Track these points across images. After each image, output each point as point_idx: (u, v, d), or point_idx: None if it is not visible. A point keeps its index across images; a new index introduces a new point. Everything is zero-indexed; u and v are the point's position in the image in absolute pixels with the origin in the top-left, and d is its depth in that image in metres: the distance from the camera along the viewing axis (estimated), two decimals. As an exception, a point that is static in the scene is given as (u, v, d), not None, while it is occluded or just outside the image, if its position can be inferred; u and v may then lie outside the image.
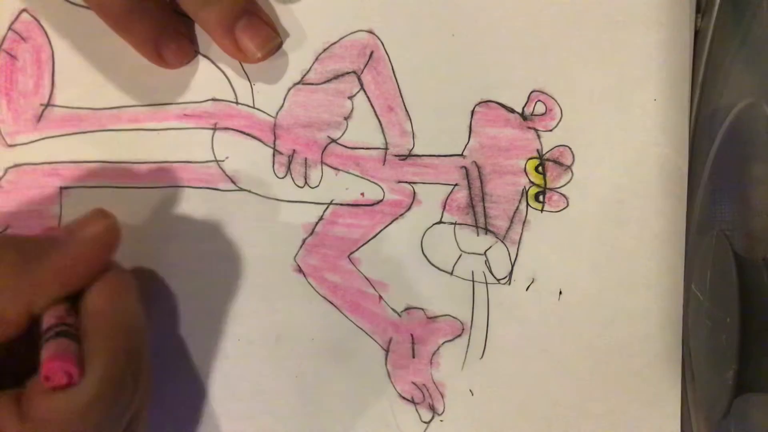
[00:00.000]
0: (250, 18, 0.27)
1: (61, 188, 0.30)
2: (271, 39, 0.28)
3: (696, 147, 0.29)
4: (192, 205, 0.29)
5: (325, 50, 0.29)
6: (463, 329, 0.29)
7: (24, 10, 0.29)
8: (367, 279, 0.30)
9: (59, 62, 0.29)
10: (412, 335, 0.30)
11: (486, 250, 0.29)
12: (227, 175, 0.30)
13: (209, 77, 0.29)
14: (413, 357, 0.30)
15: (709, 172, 0.28)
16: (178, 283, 0.30)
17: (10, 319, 0.23)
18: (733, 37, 0.26)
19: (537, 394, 0.29)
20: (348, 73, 0.29)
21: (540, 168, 0.29)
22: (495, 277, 0.29)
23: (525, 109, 0.29)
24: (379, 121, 0.29)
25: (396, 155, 0.29)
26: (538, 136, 0.29)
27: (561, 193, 0.29)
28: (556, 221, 0.29)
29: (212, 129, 0.29)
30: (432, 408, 0.30)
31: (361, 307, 0.30)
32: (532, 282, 0.29)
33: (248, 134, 0.29)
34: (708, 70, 0.28)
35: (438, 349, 0.30)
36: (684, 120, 0.29)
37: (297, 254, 0.30)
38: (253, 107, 0.29)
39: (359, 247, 0.30)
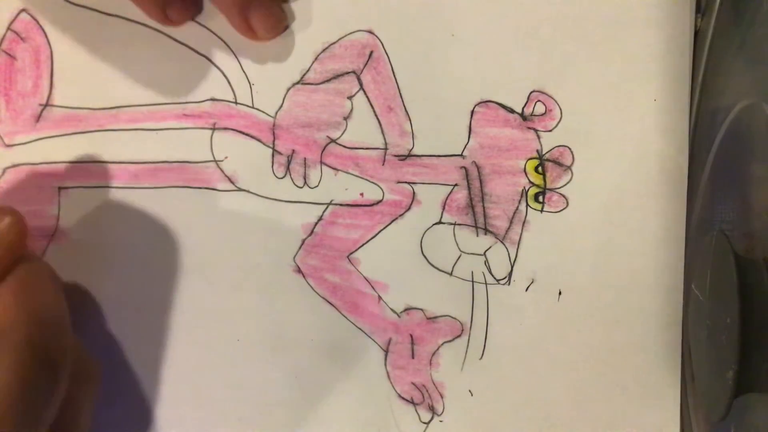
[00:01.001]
0: None
1: (60, 188, 0.29)
2: (282, 20, 0.28)
3: (696, 147, 0.29)
4: (191, 205, 0.29)
5: (324, 50, 0.29)
6: (462, 330, 0.29)
7: (23, 10, 0.29)
8: (366, 279, 0.30)
9: (58, 62, 0.29)
10: (411, 335, 0.30)
11: (485, 251, 0.29)
12: (226, 175, 0.29)
13: (208, 77, 0.29)
14: (413, 357, 0.30)
15: (709, 172, 0.28)
16: (177, 284, 0.30)
17: None
18: (733, 37, 0.26)
19: (536, 395, 0.29)
20: (347, 73, 0.29)
21: (540, 168, 0.29)
22: (494, 278, 0.29)
23: (525, 109, 0.29)
24: (379, 121, 0.29)
25: (395, 155, 0.29)
26: (538, 137, 0.29)
27: (561, 194, 0.29)
28: (556, 221, 0.29)
29: (211, 129, 0.29)
30: (431, 408, 0.30)
31: (360, 308, 0.30)
32: (532, 282, 0.29)
33: (247, 134, 0.29)
34: (708, 70, 0.28)
35: (437, 349, 0.30)
36: (684, 120, 0.29)
37: (296, 254, 0.30)
38: (253, 107, 0.29)
39: (359, 248, 0.30)
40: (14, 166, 0.29)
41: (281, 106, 0.29)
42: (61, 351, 0.24)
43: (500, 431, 0.29)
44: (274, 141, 0.29)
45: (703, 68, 0.28)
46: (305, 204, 0.29)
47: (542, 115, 0.29)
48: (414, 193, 0.29)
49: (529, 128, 0.29)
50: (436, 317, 0.30)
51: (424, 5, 0.29)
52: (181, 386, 0.30)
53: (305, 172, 0.29)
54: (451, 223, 0.29)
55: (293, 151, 0.29)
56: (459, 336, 0.29)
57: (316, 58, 0.29)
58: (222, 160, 0.29)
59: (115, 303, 0.30)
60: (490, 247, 0.29)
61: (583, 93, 0.29)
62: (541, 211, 0.29)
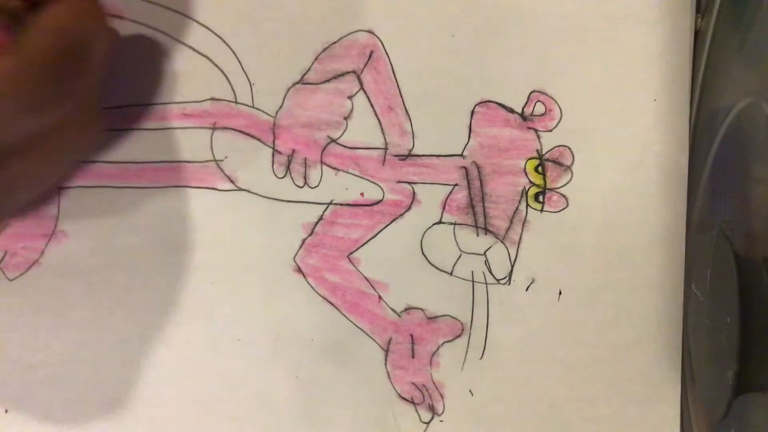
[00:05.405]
0: None
1: (60, 188, 0.29)
2: None
3: (696, 147, 0.29)
4: (191, 204, 0.29)
5: (325, 50, 0.29)
6: (462, 329, 0.29)
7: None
8: (366, 279, 0.30)
9: (58, 62, 0.29)
10: (411, 335, 0.30)
11: (486, 251, 0.29)
12: (226, 175, 0.29)
13: (208, 77, 0.29)
14: (413, 357, 0.30)
15: (709, 172, 0.28)
16: (177, 283, 0.30)
17: None
18: (733, 37, 0.26)
19: (537, 395, 0.29)
20: (348, 72, 0.29)
21: (540, 168, 0.29)
22: (495, 278, 0.29)
23: (524, 109, 0.29)
24: (379, 121, 0.29)
25: (396, 155, 0.29)
26: (538, 137, 0.29)
27: (561, 194, 0.29)
28: (556, 221, 0.29)
29: (211, 129, 0.29)
30: (432, 408, 0.30)
31: (360, 307, 0.30)
32: (532, 282, 0.29)
33: (247, 134, 0.29)
34: (708, 70, 0.28)
35: (438, 349, 0.30)
36: (684, 120, 0.29)
37: (296, 254, 0.30)
38: (253, 107, 0.29)
39: (359, 247, 0.30)
40: (14, 165, 0.29)
41: (281, 105, 0.29)
42: (85, 69, 0.24)
43: (501, 431, 0.29)
44: (274, 141, 0.29)
45: (703, 68, 0.28)
46: (305, 204, 0.29)
47: (542, 115, 0.29)
48: (414, 192, 0.29)
49: (529, 128, 0.29)
50: (436, 317, 0.30)
51: (424, 5, 0.29)
52: (181, 386, 0.30)
53: (305, 172, 0.29)
54: (452, 223, 0.29)
55: (293, 150, 0.29)
56: (459, 336, 0.29)
57: (316, 58, 0.29)
58: (222, 160, 0.29)
59: (115, 303, 0.30)
60: (490, 247, 0.29)
61: (583, 93, 0.29)
62: (541, 210, 0.29)
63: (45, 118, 0.23)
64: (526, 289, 0.29)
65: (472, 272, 0.29)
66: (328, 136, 0.29)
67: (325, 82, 0.29)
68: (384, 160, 0.29)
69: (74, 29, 0.23)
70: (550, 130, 0.29)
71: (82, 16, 0.23)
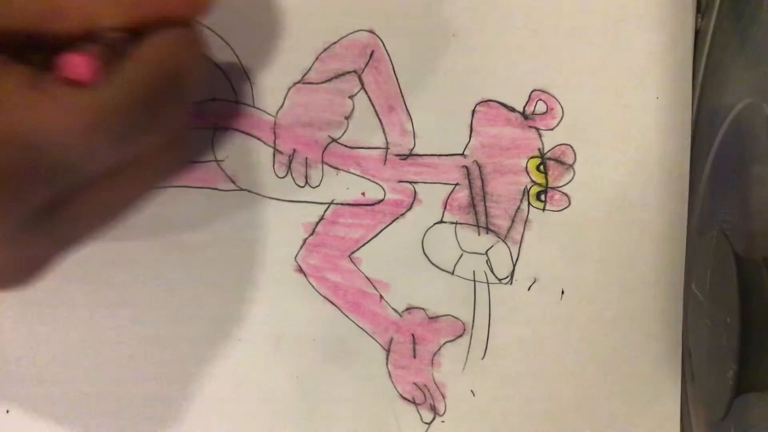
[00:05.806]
0: None
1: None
2: None
3: (696, 147, 0.29)
4: (192, 204, 0.29)
5: (325, 49, 0.29)
6: (464, 329, 0.29)
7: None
8: (367, 279, 0.30)
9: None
10: (413, 335, 0.30)
11: (487, 250, 0.29)
12: (227, 175, 0.29)
13: (209, 76, 0.29)
14: (414, 357, 0.30)
15: (709, 172, 0.28)
16: (178, 284, 0.29)
17: (71, 26, 0.21)
18: (733, 37, 0.26)
19: (538, 395, 0.29)
20: (348, 72, 0.29)
21: (541, 167, 0.29)
22: (496, 277, 0.29)
23: (526, 108, 0.29)
24: (380, 121, 0.29)
25: (397, 155, 0.29)
26: (540, 135, 0.29)
27: (563, 192, 0.29)
28: (558, 220, 0.29)
29: (212, 128, 0.29)
30: (433, 408, 0.30)
31: (362, 307, 0.30)
32: (534, 282, 0.29)
33: (248, 134, 0.29)
34: (708, 70, 0.28)
35: (439, 349, 0.30)
36: (686, 119, 0.29)
37: (297, 254, 0.30)
38: (253, 106, 0.29)
39: (360, 247, 0.30)
40: (13, 165, 0.29)
41: (282, 105, 0.29)
42: (177, 106, 0.23)
43: (502, 431, 0.30)
44: (275, 140, 0.29)
45: (703, 68, 0.28)
46: (306, 203, 0.29)
47: (543, 113, 0.29)
48: (415, 192, 0.29)
49: (530, 127, 0.29)
50: (437, 317, 0.30)
51: (425, 5, 0.29)
52: (182, 386, 0.30)
53: (306, 172, 0.29)
54: (453, 223, 0.29)
55: (294, 150, 0.29)
56: (461, 336, 0.29)
57: (317, 58, 0.29)
58: (223, 160, 0.29)
59: (115, 303, 0.30)
60: (491, 247, 0.29)
61: (584, 92, 0.29)
62: (543, 209, 0.29)
63: (132, 149, 0.22)
64: (528, 289, 0.29)
65: (474, 272, 0.29)
66: (329, 136, 0.29)
67: (326, 81, 0.29)
68: (385, 160, 0.29)
69: (174, 62, 0.22)
70: (552, 129, 0.29)
71: (183, 47, 0.23)
